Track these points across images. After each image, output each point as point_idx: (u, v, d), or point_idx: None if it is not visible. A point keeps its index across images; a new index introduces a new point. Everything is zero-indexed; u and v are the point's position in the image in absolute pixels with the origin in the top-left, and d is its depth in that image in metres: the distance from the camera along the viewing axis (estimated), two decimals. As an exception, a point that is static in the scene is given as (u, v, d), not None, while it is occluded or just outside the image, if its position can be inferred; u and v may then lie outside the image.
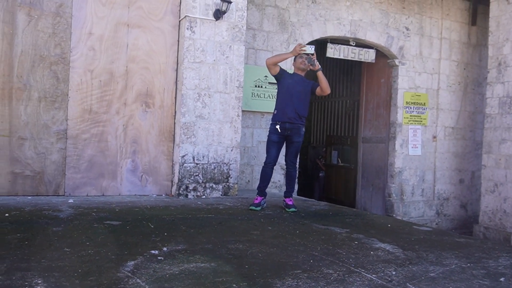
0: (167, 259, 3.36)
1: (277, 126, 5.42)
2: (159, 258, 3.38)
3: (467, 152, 9.95)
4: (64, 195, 5.75)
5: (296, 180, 8.73)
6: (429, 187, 9.61)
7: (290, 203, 5.63)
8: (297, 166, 5.78)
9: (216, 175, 6.36)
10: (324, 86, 5.40)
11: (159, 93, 6.23)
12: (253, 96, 7.97)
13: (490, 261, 3.75)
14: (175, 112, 6.31)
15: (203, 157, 6.27)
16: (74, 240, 3.72)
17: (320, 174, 11.86)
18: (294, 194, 8.20)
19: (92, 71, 5.85)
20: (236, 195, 6.51)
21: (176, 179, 6.19)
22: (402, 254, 3.82)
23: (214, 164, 6.34)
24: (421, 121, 9.51)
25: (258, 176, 8.11)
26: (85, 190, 5.87)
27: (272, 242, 4.01)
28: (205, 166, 6.29)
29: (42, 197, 5.59)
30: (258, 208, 5.50)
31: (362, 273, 3.28)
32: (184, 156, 6.14)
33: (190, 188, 6.18)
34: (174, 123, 6.33)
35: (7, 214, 4.45)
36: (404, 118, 9.33)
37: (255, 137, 8.06)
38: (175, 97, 6.32)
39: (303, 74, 5.60)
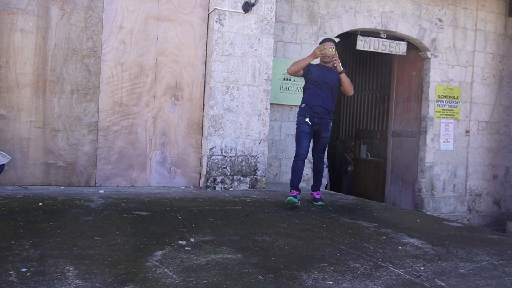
0: (194, 250, 3.40)
1: (307, 119, 5.30)
2: (186, 248, 3.43)
3: (502, 147, 9.71)
4: (95, 186, 5.88)
5: (325, 174, 8.73)
6: (461, 183, 9.43)
7: (317, 196, 5.57)
8: (325, 160, 5.64)
9: (243, 167, 6.40)
10: (347, 88, 5.39)
11: (187, 86, 6.29)
12: (281, 89, 7.95)
13: (523, 258, 3.67)
14: (204, 104, 6.36)
15: (231, 149, 6.31)
16: (104, 229, 3.80)
17: (348, 168, 11.79)
18: (323, 188, 8.18)
19: (122, 64, 5.95)
20: (264, 188, 6.53)
21: (204, 171, 6.25)
22: (431, 249, 3.77)
23: (242, 157, 6.37)
24: (454, 115, 9.32)
25: (286, 170, 8.14)
26: (115, 181, 5.98)
27: (299, 235, 4.01)
28: (232, 158, 6.33)
29: (74, 187, 5.73)
30: (296, 200, 5.16)
31: (390, 267, 3.25)
32: (212, 148, 6.19)
33: (218, 180, 6.23)
34: (203, 115, 6.38)
35: (40, 203, 4.59)
36: (436, 112, 9.16)
37: (283, 131, 8.05)
38: (204, 90, 6.37)
39: (329, 65, 5.47)
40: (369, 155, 11.40)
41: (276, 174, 8.05)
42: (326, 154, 8.29)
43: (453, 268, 3.32)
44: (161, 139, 6.18)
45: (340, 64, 5.33)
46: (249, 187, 6.42)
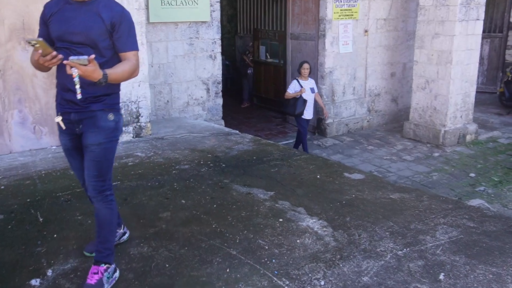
0: (48, 298, 2.67)
1: (59, 120, 2.68)
2: (38, 298, 2.69)
3: (399, 43, 9.33)
4: None
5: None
6: (361, 85, 9.10)
7: (91, 281, 2.66)
8: (111, 196, 2.78)
9: (124, 116, 5.46)
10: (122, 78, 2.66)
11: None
12: (163, 4, 6.74)
13: (428, 237, 3.32)
14: (64, 46, 5.14)
15: (105, 98, 5.29)
16: None
17: (248, 71, 11.05)
18: (214, 115, 7.47)
19: None
20: (151, 134, 5.69)
21: (76, 127, 5.25)
22: (332, 238, 3.31)
23: (121, 104, 5.39)
24: (352, 15, 8.64)
25: (178, 95, 7.27)
26: (-33, 153, 4.87)
27: (184, 234, 3.37)
28: (109, 108, 5.34)
29: None
30: None
31: (286, 289, 2.75)
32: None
33: (95, 135, 5.29)
34: (65, 59, 5.19)
35: None
36: (334, 13, 8.42)
37: (170, 52, 7.02)
38: (61, 28, 5.10)
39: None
40: (268, 56, 10.66)
41: (168, 101, 7.18)
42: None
43: (356, 274, 2.89)
44: (16, 95, 5.00)
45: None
46: (133, 137, 5.56)
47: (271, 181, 4.32)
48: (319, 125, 8.88)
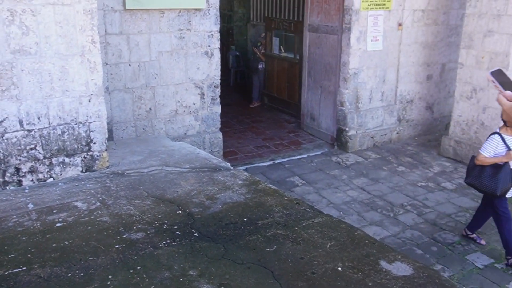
0: None
1: None
2: None
3: (439, 40, 7.37)
4: None
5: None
6: (391, 89, 7.19)
7: None
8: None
9: (67, 143, 3.70)
10: None
11: None
12: (144, -14, 4.95)
13: None
14: (-24, 44, 3.38)
15: (39, 118, 3.54)
16: None
17: (259, 66, 9.20)
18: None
19: None
20: (108, 167, 3.93)
21: (-3, 159, 3.53)
22: None
23: (62, 127, 3.65)
24: (384, 4, 6.70)
25: (163, 102, 5.50)
26: None
27: None
28: (45, 132, 3.59)
29: None
30: None
31: None
32: (2, 121, 3.41)
33: (24, 170, 3.56)
34: (-20, 63, 3.44)
35: None
36: (363, 2, 6.49)
37: (154, 47, 5.25)
38: (-29, 18, 3.34)
39: None
40: (282, 50, 8.79)
41: (150, 108, 5.44)
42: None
43: None
44: None
45: None
46: (82, 171, 3.81)
47: (264, 277, 2.53)
48: (339, 137, 7.05)
